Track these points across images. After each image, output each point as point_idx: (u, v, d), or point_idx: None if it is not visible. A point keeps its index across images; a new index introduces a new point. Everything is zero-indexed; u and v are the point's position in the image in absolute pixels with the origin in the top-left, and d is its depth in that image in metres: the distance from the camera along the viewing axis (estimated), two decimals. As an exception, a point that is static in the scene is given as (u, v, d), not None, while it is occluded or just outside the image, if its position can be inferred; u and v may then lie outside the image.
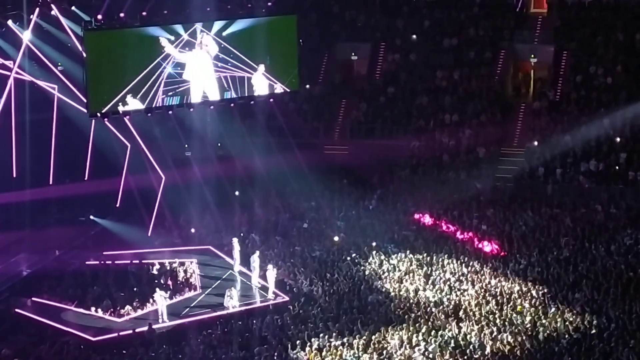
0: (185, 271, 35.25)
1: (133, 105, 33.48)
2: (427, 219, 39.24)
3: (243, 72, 35.17)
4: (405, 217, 39.61)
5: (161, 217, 39.23)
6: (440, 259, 34.85)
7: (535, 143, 43.80)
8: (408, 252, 35.74)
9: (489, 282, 32.89)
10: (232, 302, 32.34)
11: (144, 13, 33.86)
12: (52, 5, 34.00)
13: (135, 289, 33.80)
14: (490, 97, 46.85)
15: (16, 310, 32.43)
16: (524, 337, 28.68)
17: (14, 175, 37.61)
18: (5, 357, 28.65)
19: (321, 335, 28.97)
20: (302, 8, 44.98)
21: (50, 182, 38.56)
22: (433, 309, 30.84)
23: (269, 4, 36.46)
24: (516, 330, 29.19)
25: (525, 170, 42.71)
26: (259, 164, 41.90)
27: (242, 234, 37.81)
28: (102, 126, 36.31)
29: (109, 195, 39.32)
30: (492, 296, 31.70)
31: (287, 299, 32.74)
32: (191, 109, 36.04)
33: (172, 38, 33.50)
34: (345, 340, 28.74)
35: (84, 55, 32.53)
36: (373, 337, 28.69)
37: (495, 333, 28.84)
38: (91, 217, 40.06)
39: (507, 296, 31.68)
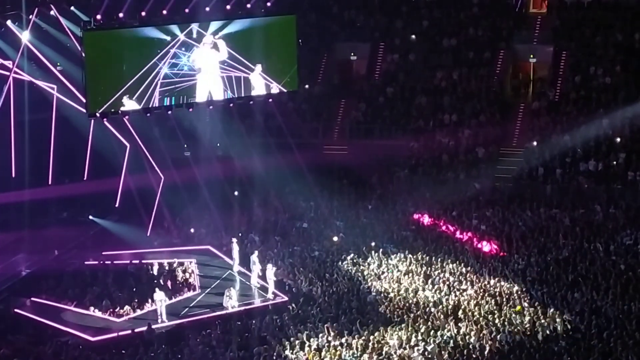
0: (184, 271, 35.26)
1: (132, 105, 33.47)
2: (426, 219, 39.25)
3: (240, 72, 35.17)
4: (405, 217, 39.62)
5: (160, 217, 39.25)
6: (439, 259, 34.83)
7: (535, 143, 43.76)
8: (407, 252, 35.72)
9: (488, 282, 32.87)
10: (231, 302, 32.34)
11: (143, 13, 33.78)
12: (51, 6, 34.04)
13: (134, 289, 33.81)
14: (489, 97, 46.84)
15: (15, 310, 32.44)
16: (523, 337, 28.67)
17: (13, 175, 37.58)
18: (4, 357, 28.63)
19: (320, 335, 28.97)
20: (301, 8, 44.88)
21: (50, 182, 38.55)
22: (432, 309, 30.81)
23: (268, 4, 36.43)
24: (515, 330, 29.18)
25: (525, 171, 42.68)
26: (258, 164, 41.91)
27: (241, 234, 37.83)
28: (101, 126, 36.19)
29: (108, 196, 39.20)
30: (491, 296, 31.67)
31: (286, 299, 32.74)
32: (190, 109, 36.00)
33: (169, 39, 33.48)
34: (344, 340, 28.73)
35: (83, 55, 32.47)
36: (372, 337, 28.65)
37: (494, 333, 28.83)
38: (90, 217, 40.07)
39: (506, 296, 31.67)
